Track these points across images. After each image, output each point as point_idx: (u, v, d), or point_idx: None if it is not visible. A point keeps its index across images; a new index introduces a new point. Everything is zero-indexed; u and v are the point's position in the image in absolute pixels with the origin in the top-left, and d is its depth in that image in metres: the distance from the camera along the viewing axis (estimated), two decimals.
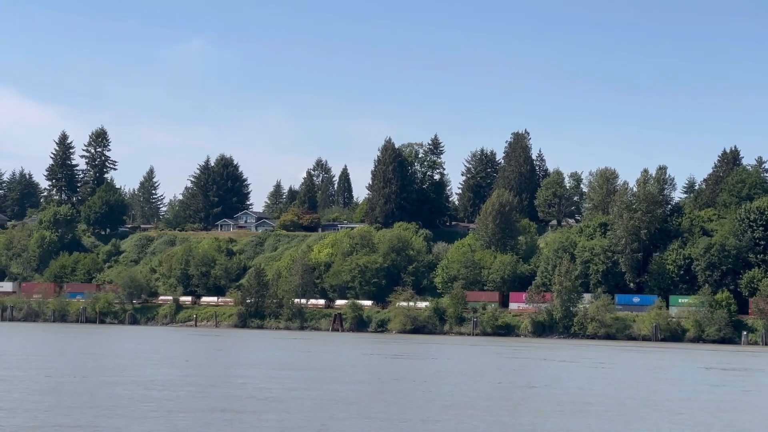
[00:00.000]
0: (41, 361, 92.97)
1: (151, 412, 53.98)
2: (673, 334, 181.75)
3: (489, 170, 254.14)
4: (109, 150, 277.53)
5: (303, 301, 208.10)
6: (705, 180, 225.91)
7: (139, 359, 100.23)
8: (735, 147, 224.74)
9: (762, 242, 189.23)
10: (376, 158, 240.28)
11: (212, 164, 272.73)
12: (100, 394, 62.73)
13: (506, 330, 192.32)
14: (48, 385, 68.31)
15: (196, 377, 78.50)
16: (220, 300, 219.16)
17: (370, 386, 73.76)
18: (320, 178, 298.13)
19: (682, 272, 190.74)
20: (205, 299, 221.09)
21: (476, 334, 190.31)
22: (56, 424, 48.74)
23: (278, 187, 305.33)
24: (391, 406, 59.49)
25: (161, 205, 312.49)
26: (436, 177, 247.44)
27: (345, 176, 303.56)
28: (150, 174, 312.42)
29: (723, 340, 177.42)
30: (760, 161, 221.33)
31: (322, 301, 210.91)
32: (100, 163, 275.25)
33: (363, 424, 51.94)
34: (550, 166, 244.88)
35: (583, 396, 69.78)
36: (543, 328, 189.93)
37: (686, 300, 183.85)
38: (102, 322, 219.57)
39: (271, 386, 70.86)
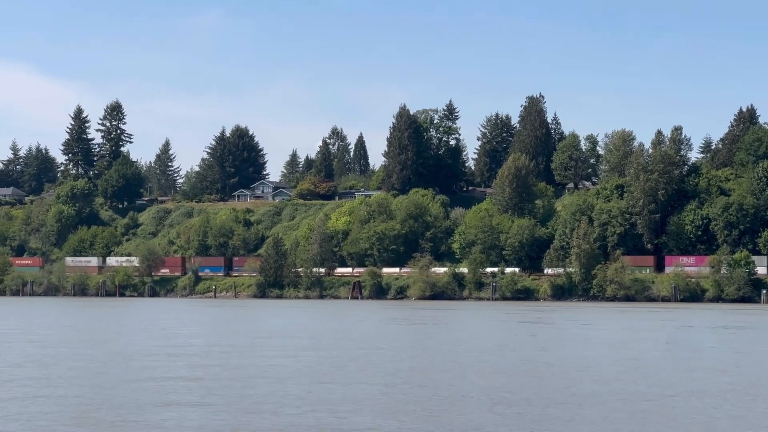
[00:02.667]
0: (33, 334, 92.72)
1: (123, 382, 53.25)
2: (693, 295, 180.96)
3: (505, 135, 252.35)
4: (125, 123, 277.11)
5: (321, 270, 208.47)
6: (721, 139, 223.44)
7: (134, 330, 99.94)
8: (751, 105, 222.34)
9: None
10: (392, 125, 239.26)
11: (228, 135, 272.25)
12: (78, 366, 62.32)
13: (525, 294, 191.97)
14: (36, 358, 67.79)
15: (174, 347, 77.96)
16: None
17: (348, 353, 72.93)
18: (336, 146, 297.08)
19: (700, 232, 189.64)
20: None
21: (495, 299, 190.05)
22: (39, 395, 48.11)
23: (294, 156, 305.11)
24: (350, 372, 58.69)
25: (178, 177, 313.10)
26: (452, 143, 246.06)
27: (361, 144, 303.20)
28: (166, 146, 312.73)
29: (743, 299, 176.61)
30: None
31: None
32: (115, 137, 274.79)
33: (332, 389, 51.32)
34: (566, 129, 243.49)
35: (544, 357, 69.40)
36: (562, 292, 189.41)
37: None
38: (122, 295, 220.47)
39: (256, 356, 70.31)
